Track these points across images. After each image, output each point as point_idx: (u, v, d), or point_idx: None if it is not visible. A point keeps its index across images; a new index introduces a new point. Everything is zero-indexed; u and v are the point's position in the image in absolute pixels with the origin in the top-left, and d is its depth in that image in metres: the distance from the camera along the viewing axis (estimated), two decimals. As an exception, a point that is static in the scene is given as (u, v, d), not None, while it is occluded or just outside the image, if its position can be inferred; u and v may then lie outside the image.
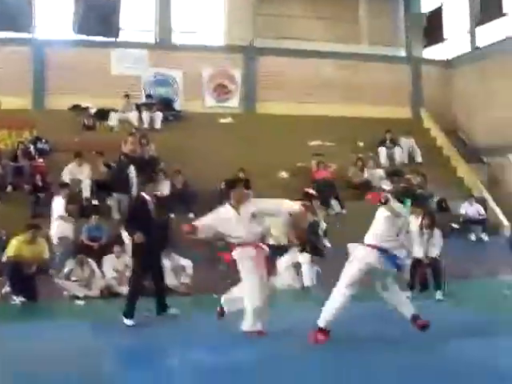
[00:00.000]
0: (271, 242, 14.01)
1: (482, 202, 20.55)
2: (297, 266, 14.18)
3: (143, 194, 10.38)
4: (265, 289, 8.82)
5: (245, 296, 8.77)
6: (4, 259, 12.53)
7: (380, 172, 20.38)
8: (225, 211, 9.10)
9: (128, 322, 9.75)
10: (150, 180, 10.71)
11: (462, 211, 19.53)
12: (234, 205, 9.02)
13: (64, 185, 16.08)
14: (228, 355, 7.86)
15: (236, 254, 8.94)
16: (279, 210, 9.42)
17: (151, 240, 9.93)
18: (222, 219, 9.01)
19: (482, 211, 19.63)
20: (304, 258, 14.00)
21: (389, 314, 8.84)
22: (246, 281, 8.82)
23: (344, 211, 18.46)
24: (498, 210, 20.76)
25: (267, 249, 9.24)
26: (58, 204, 15.28)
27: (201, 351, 8.06)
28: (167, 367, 7.60)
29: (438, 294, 11.99)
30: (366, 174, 19.88)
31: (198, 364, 7.46)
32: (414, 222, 12.88)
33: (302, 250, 14.19)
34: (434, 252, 12.28)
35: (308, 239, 15.28)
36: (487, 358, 7.52)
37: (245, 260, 8.84)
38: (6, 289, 12.45)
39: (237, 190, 9.14)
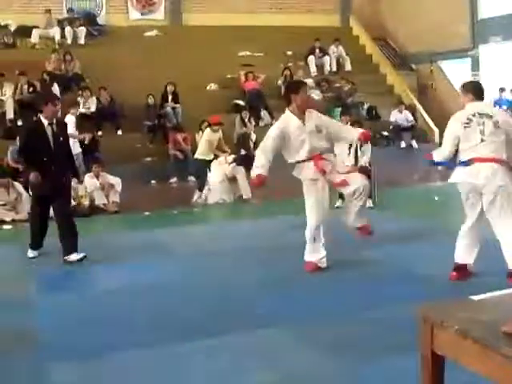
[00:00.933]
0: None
1: (412, 108, 20.68)
2: (230, 180, 14.09)
3: (40, 116, 8.77)
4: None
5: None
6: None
7: (309, 81, 20.27)
8: (286, 121, 7.64)
9: (30, 253, 8.97)
10: (45, 101, 8.78)
11: (392, 118, 19.66)
12: (296, 113, 7.65)
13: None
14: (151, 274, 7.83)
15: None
16: (348, 137, 8.38)
17: (50, 171, 8.50)
18: (285, 133, 7.51)
19: (411, 118, 19.76)
20: (239, 171, 13.88)
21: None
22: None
23: (274, 122, 18.31)
24: (426, 117, 20.91)
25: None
26: None
27: (125, 269, 8.00)
28: (90, 290, 7.52)
29: (369, 202, 12.04)
30: (295, 84, 19.70)
31: (123, 282, 7.40)
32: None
33: (237, 163, 14.07)
34: (364, 160, 12.25)
35: (239, 151, 15.24)
36: (411, 262, 7.62)
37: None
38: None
39: (300, 94, 7.70)
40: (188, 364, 5.07)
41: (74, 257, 8.50)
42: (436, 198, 12.43)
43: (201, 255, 8.70)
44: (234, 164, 14.05)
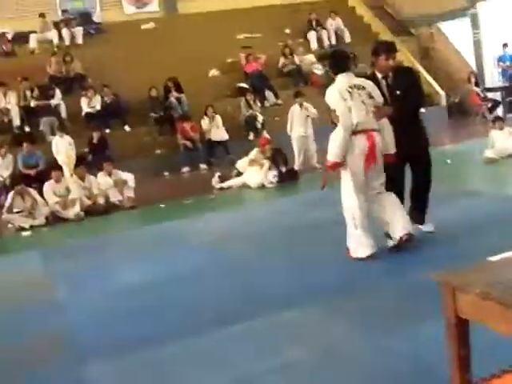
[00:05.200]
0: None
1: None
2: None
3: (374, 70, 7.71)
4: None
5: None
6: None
7: (310, 57, 20.21)
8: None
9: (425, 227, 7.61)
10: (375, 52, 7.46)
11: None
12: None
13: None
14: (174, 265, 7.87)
15: None
16: None
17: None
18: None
19: (416, 82, 19.67)
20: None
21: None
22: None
23: (279, 101, 18.32)
24: (431, 80, 20.82)
25: None
26: None
27: (148, 263, 8.06)
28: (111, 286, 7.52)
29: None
30: (296, 61, 19.68)
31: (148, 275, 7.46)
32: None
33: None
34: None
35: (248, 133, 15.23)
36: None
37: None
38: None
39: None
40: (225, 350, 5.12)
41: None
42: (448, 161, 12.39)
43: (221, 242, 8.73)
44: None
